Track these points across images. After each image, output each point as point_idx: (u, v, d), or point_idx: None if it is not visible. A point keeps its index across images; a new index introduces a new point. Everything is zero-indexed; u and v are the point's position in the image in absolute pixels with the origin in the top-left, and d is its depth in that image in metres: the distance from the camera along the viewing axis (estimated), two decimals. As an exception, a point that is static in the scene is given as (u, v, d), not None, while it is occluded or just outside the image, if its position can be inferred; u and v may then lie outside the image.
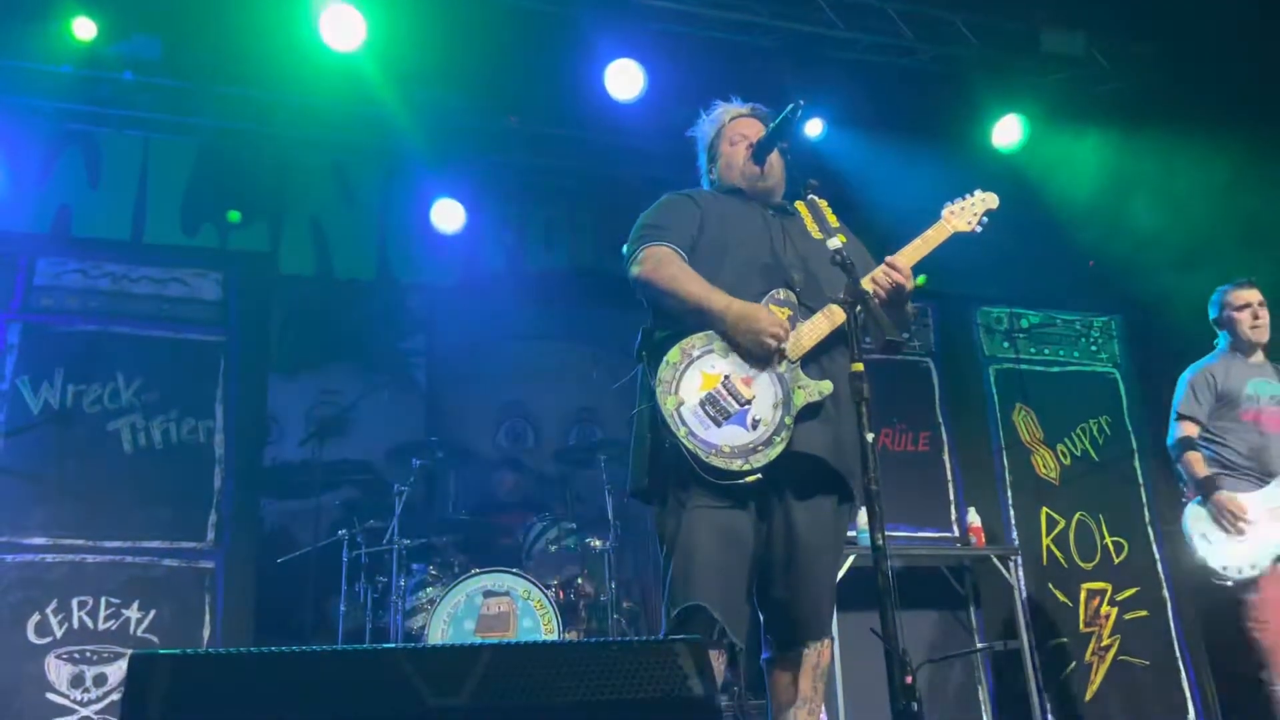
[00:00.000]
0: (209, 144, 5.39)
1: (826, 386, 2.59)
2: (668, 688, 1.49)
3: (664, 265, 2.69)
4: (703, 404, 2.53)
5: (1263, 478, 3.90)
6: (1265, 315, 4.12)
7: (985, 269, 6.14)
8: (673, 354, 2.58)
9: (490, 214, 6.27)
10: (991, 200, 2.86)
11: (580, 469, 5.73)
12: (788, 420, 2.53)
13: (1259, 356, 4.13)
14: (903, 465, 5.50)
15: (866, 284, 2.59)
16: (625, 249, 2.83)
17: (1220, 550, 3.81)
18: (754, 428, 2.52)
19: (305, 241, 6.02)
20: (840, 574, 3.07)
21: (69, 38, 4.69)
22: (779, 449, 2.50)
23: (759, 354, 2.56)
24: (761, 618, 2.69)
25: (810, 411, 2.57)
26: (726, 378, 2.57)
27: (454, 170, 5.84)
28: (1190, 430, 4.05)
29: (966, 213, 2.83)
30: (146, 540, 4.76)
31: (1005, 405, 5.99)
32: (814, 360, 2.63)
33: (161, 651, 1.28)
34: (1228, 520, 3.79)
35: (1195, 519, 3.92)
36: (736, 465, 2.47)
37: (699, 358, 2.59)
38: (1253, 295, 4.12)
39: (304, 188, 5.76)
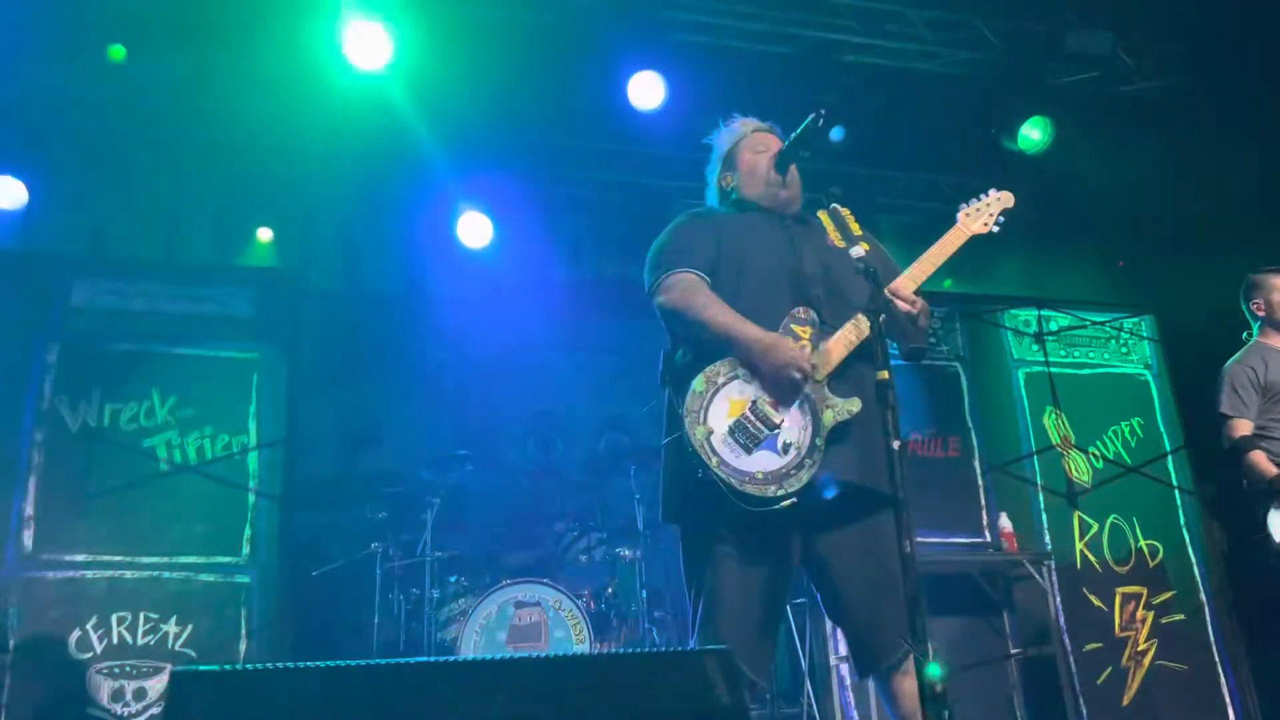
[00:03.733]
0: (239, 162, 5.47)
1: (855, 405, 2.55)
2: (697, 698, 1.50)
3: (691, 294, 2.69)
4: (732, 432, 2.52)
5: None
6: None
7: (1013, 271, 6.11)
8: (698, 383, 2.57)
9: (516, 226, 6.32)
10: (1007, 199, 2.79)
11: (609, 478, 5.74)
12: (819, 442, 2.52)
13: None
14: (933, 471, 5.46)
15: None
16: (646, 276, 2.82)
17: None
18: (785, 452, 2.51)
19: (335, 257, 6.09)
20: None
21: (103, 60, 4.79)
22: (810, 472, 2.49)
23: (784, 387, 2.54)
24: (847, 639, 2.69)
25: (839, 432, 2.54)
26: (754, 403, 2.55)
27: (480, 183, 5.89)
28: (1245, 429, 3.92)
29: (983, 214, 2.77)
30: (183, 555, 4.83)
31: (1035, 408, 5.94)
32: (841, 375, 2.59)
33: (203, 668, 1.31)
34: None
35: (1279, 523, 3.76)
36: (770, 491, 2.46)
37: (724, 385, 2.58)
38: None
39: (333, 204, 5.82)
